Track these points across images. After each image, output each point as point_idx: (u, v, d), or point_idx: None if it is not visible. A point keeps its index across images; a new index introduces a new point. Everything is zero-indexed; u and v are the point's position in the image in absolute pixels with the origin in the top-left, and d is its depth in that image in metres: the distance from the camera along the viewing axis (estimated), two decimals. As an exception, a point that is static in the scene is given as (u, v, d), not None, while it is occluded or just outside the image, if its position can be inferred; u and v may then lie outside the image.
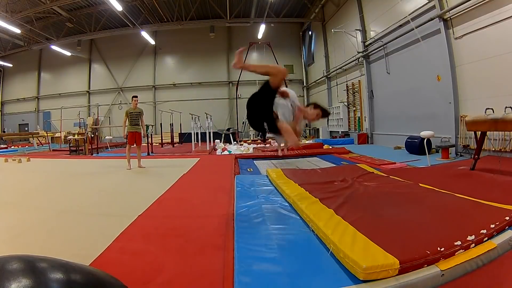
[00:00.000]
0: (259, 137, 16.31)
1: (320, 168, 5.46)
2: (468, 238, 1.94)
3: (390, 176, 4.26)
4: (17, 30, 13.97)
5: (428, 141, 6.54)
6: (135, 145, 6.73)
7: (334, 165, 6.22)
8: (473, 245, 1.91)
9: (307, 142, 12.06)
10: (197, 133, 12.23)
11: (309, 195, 3.22)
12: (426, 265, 1.72)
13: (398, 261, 1.66)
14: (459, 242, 1.88)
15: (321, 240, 2.20)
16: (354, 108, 13.04)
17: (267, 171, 4.88)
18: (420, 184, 3.65)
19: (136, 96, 6.67)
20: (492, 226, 2.12)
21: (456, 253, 1.83)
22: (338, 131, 14.25)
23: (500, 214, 2.34)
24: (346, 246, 1.88)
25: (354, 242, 1.95)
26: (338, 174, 4.68)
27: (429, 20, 7.55)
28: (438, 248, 1.80)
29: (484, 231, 2.04)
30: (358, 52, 11.68)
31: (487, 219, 2.25)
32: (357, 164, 5.73)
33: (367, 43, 11.28)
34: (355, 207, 2.81)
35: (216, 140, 12.41)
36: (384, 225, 2.30)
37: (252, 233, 2.41)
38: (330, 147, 10.00)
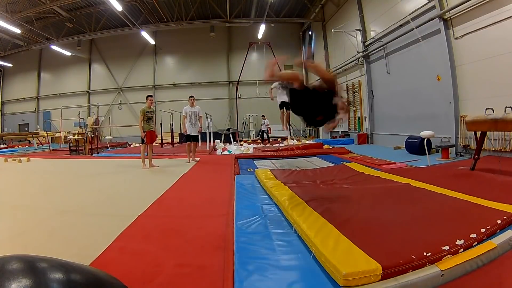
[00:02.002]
0: (258, 137, 16.34)
1: (310, 169, 5.43)
2: (456, 243, 1.90)
3: (383, 178, 4.24)
4: (17, 30, 13.97)
5: (428, 141, 6.53)
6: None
7: (328, 166, 6.20)
8: (462, 250, 1.88)
9: (307, 142, 12.07)
10: (197, 133, 12.20)
11: (296, 196, 3.19)
12: (410, 271, 1.68)
13: (381, 267, 1.62)
14: (447, 247, 1.84)
15: (304, 242, 2.17)
16: (354, 108, 13.04)
17: (256, 172, 4.83)
18: (412, 184, 3.63)
19: (151, 96, 6.93)
20: (483, 230, 2.07)
21: (443, 258, 1.79)
22: (338, 131, 14.24)
23: (493, 216, 2.31)
24: (328, 250, 1.84)
25: (336, 245, 1.91)
26: (328, 175, 4.67)
27: (429, 20, 7.54)
28: (424, 253, 1.76)
29: (474, 235, 2.00)
30: (358, 52, 11.68)
31: (479, 222, 2.21)
32: (348, 164, 5.70)
33: (367, 43, 11.28)
34: (342, 209, 2.78)
35: (216, 140, 12.41)
36: (370, 228, 2.27)
37: (252, 233, 2.42)
38: (330, 147, 10.00)
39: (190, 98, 7.24)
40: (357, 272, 1.60)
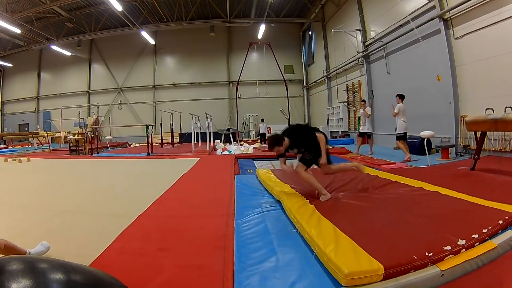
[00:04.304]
0: (258, 137, 16.34)
1: (311, 169, 5.41)
2: (458, 243, 1.90)
3: (382, 177, 4.24)
4: (17, 30, 13.97)
5: (428, 141, 6.54)
6: None
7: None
8: (463, 250, 1.88)
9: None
10: (197, 133, 12.24)
11: (298, 195, 3.20)
12: (412, 271, 1.68)
13: (383, 267, 1.62)
14: (448, 247, 1.84)
15: (306, 242, 2.16)
16: (354, 108, 13.04)
17: (257, 172, 4.82)
18: (413, 185, 3.63)
19: None
20: (485, 230, 2.07)
21: (445, 258, 1.78)
22: (338, 131, 14.25)
23: (494, 217, 2.31)
24: (330, 250, 1.84)
25: (339, 245, 1.90)
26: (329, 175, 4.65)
27: (429, 20, 7.55)
28: (426, 253, 1.76)
29: (476, 236, 2.00)
30: (358, 52, 11.69)
31: (481, 222, 2.20)
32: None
33: (367, 43, 11.28)
34: (345, 208, 2.78)
35: (216, 140, 12.41)
36: (373, 227, 2.26)
37: (252, 233, 2.41)
38: (330, 147, 9.99)
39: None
40: (359, 272, 1.59)
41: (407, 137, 7.42)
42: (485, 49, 6.28)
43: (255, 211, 3.00)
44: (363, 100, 8.96)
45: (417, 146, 7.23)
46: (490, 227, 2.12)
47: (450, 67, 7.08)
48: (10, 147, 15.29)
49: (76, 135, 12.52)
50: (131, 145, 15.64)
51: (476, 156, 4.54)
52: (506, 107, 4.42)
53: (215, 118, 15.32)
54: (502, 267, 1.84)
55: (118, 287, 1.36)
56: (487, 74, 6.30)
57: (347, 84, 13.40)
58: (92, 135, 11.59)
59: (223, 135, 14.23)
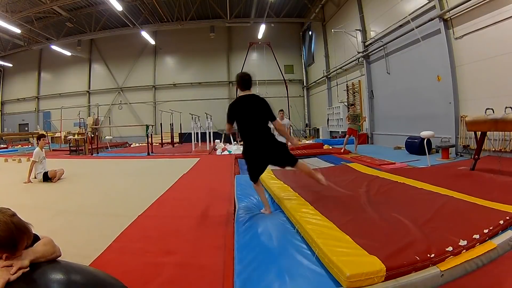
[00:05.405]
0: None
1: (311, 170, 5.41)
2: (460, 244, 1.90)
3: (384, 178, 4.24)
4: (17, 30, 13.96)
5: (428, 141, 6.54)
6: None
7: (329, 166, 6.19)
8: (464, 250, 1.88)
9: (307, 142, 12.06)
10: (197, 133, 12.24)
11: (299, 196, 3.20)
12: (414, 271, 1.68)
13: (385, 268, 1.62)
14: (450, 248, 1.84)
15: (307, 243, 2.15)
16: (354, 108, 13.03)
17: None
18: (413, 185, 3.63)
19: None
20: (485, 231, 2.07)
21: (446, 259, 1.78)
22: (338, 131, 14.24)
23: (495, 217, 2.31)
24: (331, 251, 1.82)
25: (340, 246, 1.90)
26: (330, 175, 4.66)
27: (429, 20, 7.54)
28: (428, 255, 1.76)
29: (477, 236, 2.00)
30: (358, 52, 11.68)
31: (481, 223, 2.20)
32: (349, 164, 5.70)
33: (367, 43, 11.28)
34: (345, 209, 2.78)
35: (216, 140, 12.41)
36: (374, 228, 2.26)
37: (252, 233, 2.41)
38: (330, 147, 10.00)
39: (280, 112, 7.63)
40: (361, 274, 1.58)
41: (408, 137, 7.44)
42: (485, 49, 6.27)
43: (255, 211, 3.00)
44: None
45: (417, 146, 7.23)
46: (491, 227, 2.12)
47: (450, 67, 7.08)
48: (10, 147, 15.28)
49: (76, 135, 12.53)
50: (131, 145, 15.64)
51: (476, 156, 4.54)
52: (506, 107, 4.41)
53: (215, 118, 15.29)
54: (502, 267, 1.84)
55: (118, 287, 1.36)
56: (487, 74, 6.29)
57: (347, 84, 13.39)
58: (92, 135, 11.59)
59: (223, 135, 14.20)
